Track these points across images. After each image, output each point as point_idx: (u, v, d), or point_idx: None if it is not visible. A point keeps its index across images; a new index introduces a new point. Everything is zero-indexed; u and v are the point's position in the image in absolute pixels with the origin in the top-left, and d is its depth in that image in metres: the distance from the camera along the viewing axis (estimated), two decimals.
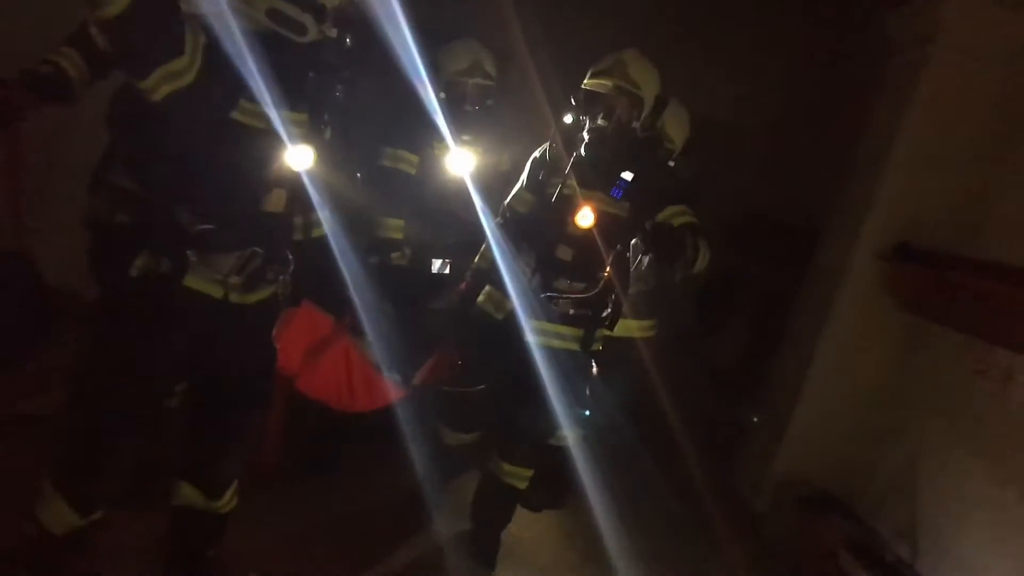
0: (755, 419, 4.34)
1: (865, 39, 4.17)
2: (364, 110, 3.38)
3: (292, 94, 2.03)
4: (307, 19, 1.98)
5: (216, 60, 1.83)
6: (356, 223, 3.33)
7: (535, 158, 3.06)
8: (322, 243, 2.38)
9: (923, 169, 3.56)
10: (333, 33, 2.06)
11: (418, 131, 3.28)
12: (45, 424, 2.36)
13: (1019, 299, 2.80)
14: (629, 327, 3.33)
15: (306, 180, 2.14)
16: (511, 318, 2.90)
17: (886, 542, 3.28)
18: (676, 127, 3.44)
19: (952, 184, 3.52)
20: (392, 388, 3.11)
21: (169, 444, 2.34)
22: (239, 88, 1.88)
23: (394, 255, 3.39)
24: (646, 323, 3.50)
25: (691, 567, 3.42)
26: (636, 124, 2.82)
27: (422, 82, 3.05)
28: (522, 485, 2.96)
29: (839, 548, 3.23)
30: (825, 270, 3.97)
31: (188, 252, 2.01)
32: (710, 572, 3.45)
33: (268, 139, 1.98)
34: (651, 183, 2.81)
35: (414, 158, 3.38)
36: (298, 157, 2.05)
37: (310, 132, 2.14)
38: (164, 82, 1.75)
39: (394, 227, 3.40)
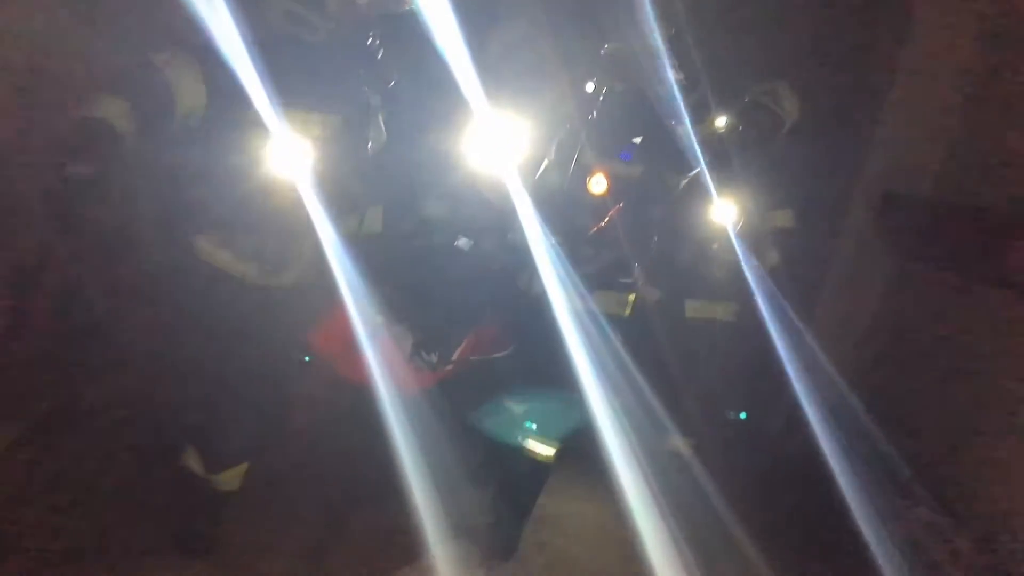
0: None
1: None
2: (405, 96, 3.55)
3: (314, 95, 2.20)
4: (314, 16, 2.13)
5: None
6: (398, 205, 3.52)
7: (561, 135, 3.05)
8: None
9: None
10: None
11: (455, 107, 3.35)
12: None
13: None
14: (704, 309, 3.28)
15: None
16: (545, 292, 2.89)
17: None
18: (792, 106, 3.44)
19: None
20: (422, 375, 3.10)
21: None
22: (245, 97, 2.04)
23: (437, 236, 3.48)
24: (725, 305, 3.43)
25: None
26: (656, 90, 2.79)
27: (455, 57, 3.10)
28: (549, 459, 2.92)
29: None
30: None
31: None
32: None
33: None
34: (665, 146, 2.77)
35: (453, 136, 3.45)
36: (299, 156, 2.16)
37: (341, 130, 2.29)
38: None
39: (440, 208, 3.49)
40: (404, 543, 2.65)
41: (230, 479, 2.47)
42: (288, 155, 2.16)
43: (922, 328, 3.56)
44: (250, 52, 2.05)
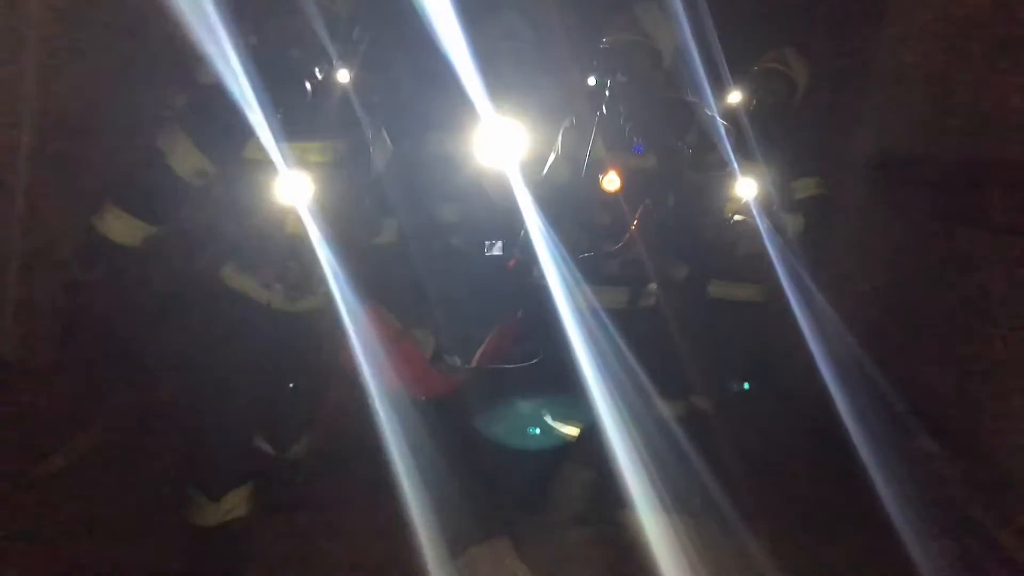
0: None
1: None
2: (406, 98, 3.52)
3: (313, 124, 2.27)
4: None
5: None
6: (414, 210, 3.52)
7: (566, 127, 3.05)
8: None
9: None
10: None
11: (456, 108, 3.33)
12: None
13: None
14: (729, 289, 3.29)
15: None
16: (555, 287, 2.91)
17: None
18: (802, 70, 3.47)
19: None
20: (446, 378, 3.12)
21: None
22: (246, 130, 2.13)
23: (454, 239, 3.50)
24: (751, 286, 3.46)
25: None
26: (658, 75, 2.78)
27: (454, 56, 3.08)
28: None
29: None
30: None
31: None
32: None
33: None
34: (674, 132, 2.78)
35: (457, 138, 3.44)
36: (294, 185, 2.22)
37: (345, 153, 2.36)
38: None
39: (451, 210, 3.50)
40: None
41: (234, 504, 2.42)
42: (293, 185, 2.23)
43: (930, 283, 3.61)
44: (240, 91, 2.13)
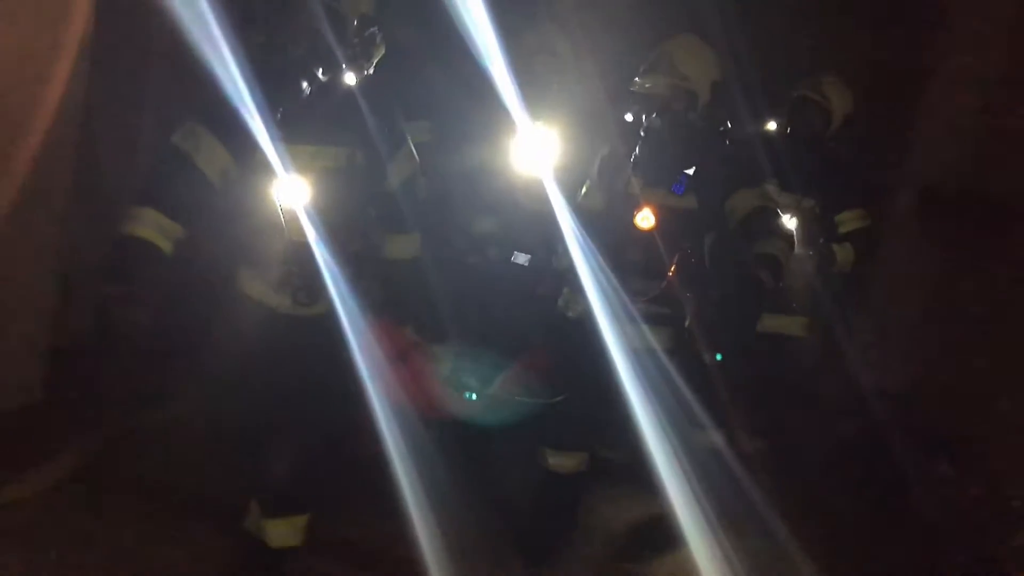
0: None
1: None
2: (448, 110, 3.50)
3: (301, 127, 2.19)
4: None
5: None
6: (450, 225, 3.52)
7: (603, 155, 2.99)
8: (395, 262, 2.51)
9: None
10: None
11: (492, 121, 3.26)
12: None
13: None
14: (780, 323, 3.24)
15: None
16: (588, 319, 2.84)
17: None
18: (840, 99, 3.36)
19: None
20: (456, 402, 3.06)
21: None
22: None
23: (491, 252, 3.49)
24: (800, 320, 3.41)
25: None
26: (694, 115, 2.70)
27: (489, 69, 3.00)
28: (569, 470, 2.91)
29: None
30: None
31: None
32: None
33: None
34: (717, 172, 2.70)
35: (492, 150, 3.42)
36: (292, 190, 2.18)
37: (350, 160, 2.27)
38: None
39: (488, 222, 3.50)
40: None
41: (288, 531, 2.41)
42: (290, 189, 2.18)
43: (969, 318, 3.55)
44: (251, 91, 2.09)
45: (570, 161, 3.44)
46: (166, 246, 2.14)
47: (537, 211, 3.28)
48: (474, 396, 3.16)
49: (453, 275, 3.35)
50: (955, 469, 3.52)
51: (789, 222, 3.29)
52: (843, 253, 3.42)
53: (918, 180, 3.79)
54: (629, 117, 2.81)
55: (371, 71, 2.40)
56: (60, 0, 2.95)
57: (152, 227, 2.11)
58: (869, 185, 3.64)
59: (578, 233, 2.93)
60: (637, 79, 2.71)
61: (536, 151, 3.22)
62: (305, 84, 2.19)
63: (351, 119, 2.26)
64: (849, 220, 3.46)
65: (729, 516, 2.91)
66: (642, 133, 2.73)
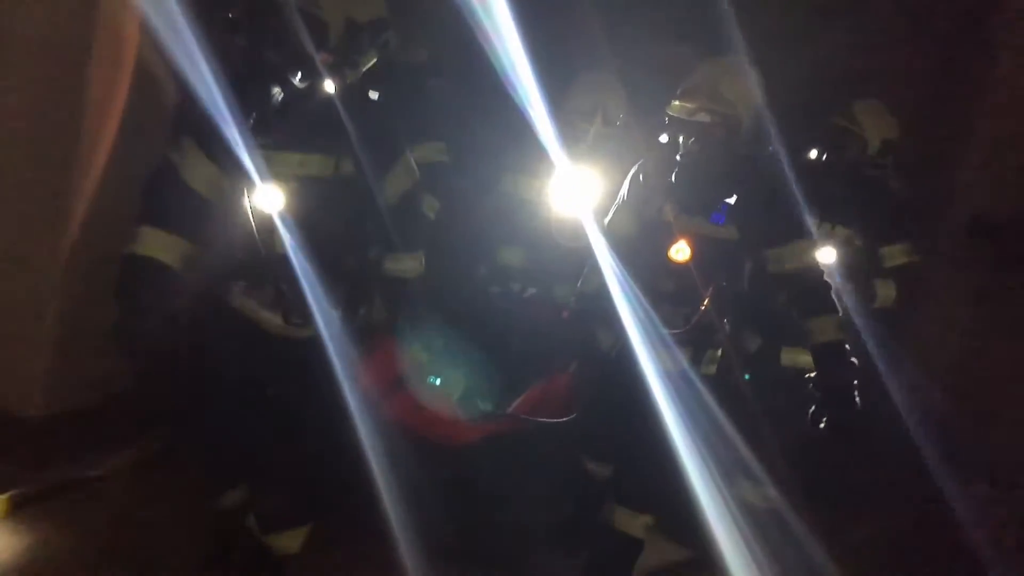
0: None
1: None
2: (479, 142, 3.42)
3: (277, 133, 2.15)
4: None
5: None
6: (472, 252, 3.43)
7: (633, 174, 2.83)
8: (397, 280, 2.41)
9: None
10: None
11: (530, 156, 3.20)
12: None
13: None
14: (798, 358, 3.11)
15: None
16: (619, 345, 2.72)
17: None
18: (875, 124, 3.26)
19: None
20: (470, 425, 2.94)
21: None
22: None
23: (515, 285, 3.40)
24: None
25: None
26: (736, 141, 2.56)
27: (532, 110, 2.93)
28: (639, 534, 2.81)
29: None
30: None
31: None
32: None
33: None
34: (760, 203, 2.56)
35: (533, 184, 3.32)
36: (267, 197, 2.14)
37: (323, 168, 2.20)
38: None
39: (513, 255, 3.40)
40: None
41: (288, 542, 2.41)
42: (265, 197, 2.13)
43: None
44: (226, 98, 2.06)
45: (605, 188, 3.35)
46: (171, 260, 2.13)
47: (573, 250, 3.21)
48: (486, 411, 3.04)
49: (472, 303, 3.28)
50: (994, 489, 3.43)
51: (827, 254, 3.15)
52: (885, 289, 3.28)
53: (966, 206, 3.68)
54: (664, 138, 2.67)
55: (358, 79, 2.31)
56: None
57: (154, 244, 2.11)
58: (914, 211, 3.50)
59: (613, 263, 2.82)
60: (676, 102, 2.54)
61: (576, 190, 3.15)
62: (277, 89, 2.13)
63: (334, 127, 2.18)
64: (896, 254, 3.34)
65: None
66: (679, 158, 2.58)
